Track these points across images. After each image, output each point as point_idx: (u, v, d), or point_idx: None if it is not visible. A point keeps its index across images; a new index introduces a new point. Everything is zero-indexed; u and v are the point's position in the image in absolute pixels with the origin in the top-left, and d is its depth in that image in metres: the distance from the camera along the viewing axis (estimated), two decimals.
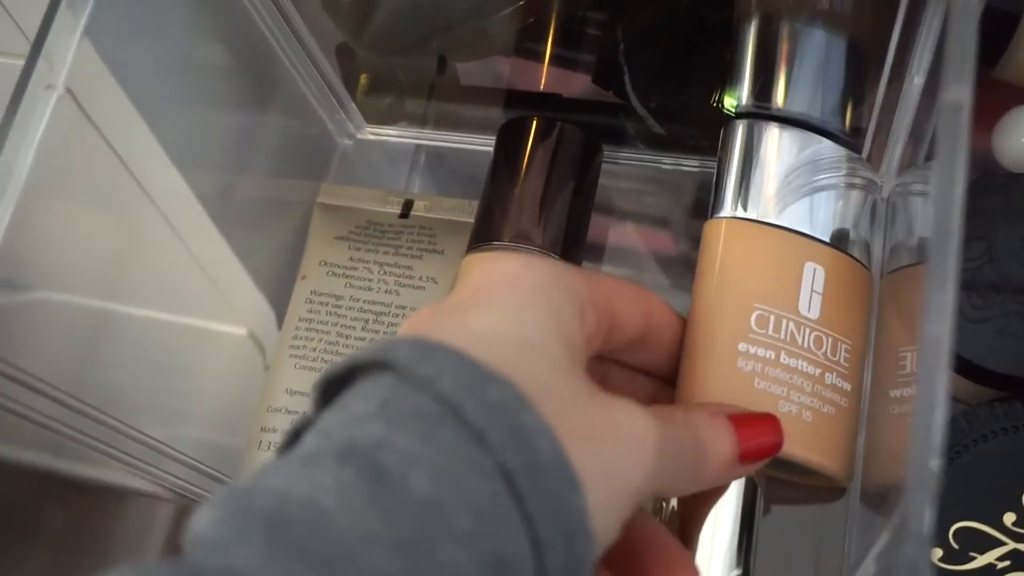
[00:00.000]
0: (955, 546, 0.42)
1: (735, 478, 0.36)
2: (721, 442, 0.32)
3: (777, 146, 0.40)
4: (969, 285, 0.45)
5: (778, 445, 0.34)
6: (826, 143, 0.40)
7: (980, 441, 0.43)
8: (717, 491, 0.36)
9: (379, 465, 0.24)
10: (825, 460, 0.37)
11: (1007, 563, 0.41)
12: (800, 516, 0.49)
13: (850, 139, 0.41)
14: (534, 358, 0.28)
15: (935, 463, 0.27)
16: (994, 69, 0.50)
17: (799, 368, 0.37)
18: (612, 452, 0.28)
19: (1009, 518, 0.42)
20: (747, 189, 0.39)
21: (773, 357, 0.37)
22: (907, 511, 0.27)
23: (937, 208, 0.29)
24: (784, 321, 0.37)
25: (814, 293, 0.38)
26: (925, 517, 0.27)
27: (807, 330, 0.37)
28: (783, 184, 0.39)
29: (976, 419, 0.44)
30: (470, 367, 0.26)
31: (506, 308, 0.29)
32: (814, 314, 0.38)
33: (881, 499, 0.32)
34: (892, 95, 0.45)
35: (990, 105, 0.52)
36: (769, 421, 0.34)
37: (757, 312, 0.37)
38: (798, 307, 0.37)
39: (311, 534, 0.23)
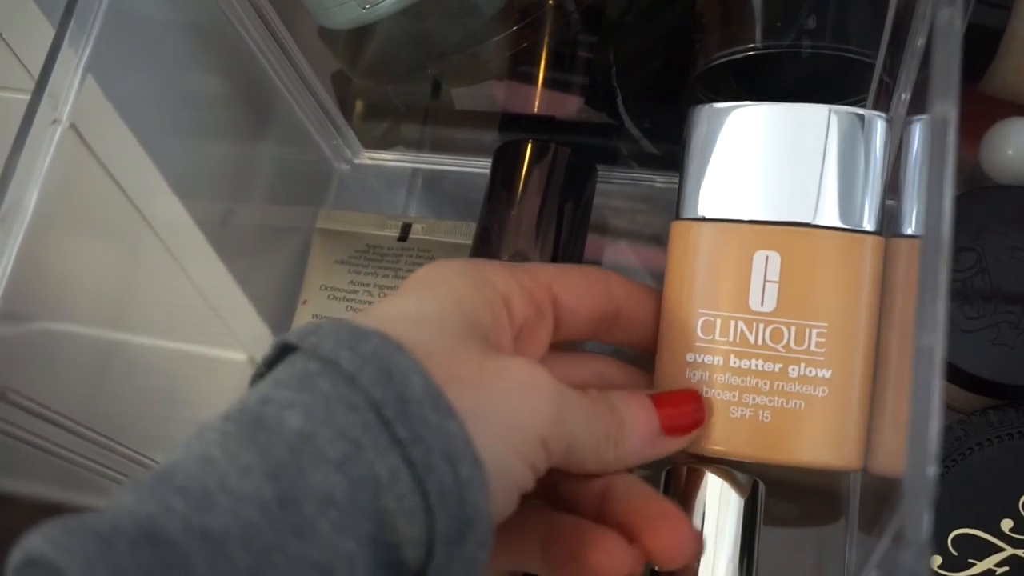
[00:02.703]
0: (954, 553, 0.42)
1: (664, 453, 0.36)
2: (639, 415, 0.34)
3: (727, 130, 0.37)
4: (961, 295, 0.46)
5: (699, 419, 0.36)
6: (787, 106, 0.36)
7: (976, 449, 0.44)
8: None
9: (259, 414, 0.27)
10: (792, 456, 0.36)
11: (1006, 569, 0.42)
12: (801, 529, 0.50)
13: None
14: (425, 326, 0.31)
15: (932, 470, 0.27)
16: (979, 83, 0.51)
17: (753, 368, 0.36)
18: (499, 396, 0.30)
19: (1007, 524, 0.42)
20: (698, 185, 0.37)
21: (721, 363, 0.36)
22: (905, 518, 0.27)
23: (927, 221, 0.30)
24: (732, 323, 0.36)
25: (768, 283, 0.36)
26: (923, 524, 0.27)
27: (761, 326, 0.36)
28: (735, 169, 0.36)
29: (971, 427, 0.44)
30: (350, 329, 0.28)
31: (408, 295, 0.33)
32: (769, 307, 0.36)
33: (888, 485, 0.33)
34: (880, 111, 0.46)
35: (977, 118, 0.52)
36: (688, 395, 0.36)
37: (702, 319, 0.36)
38: (748, 303, 0.36)
39: (191, 473, 0.25)
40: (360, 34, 0.51)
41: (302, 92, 0.55)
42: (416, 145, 0.59)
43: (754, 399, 0.36)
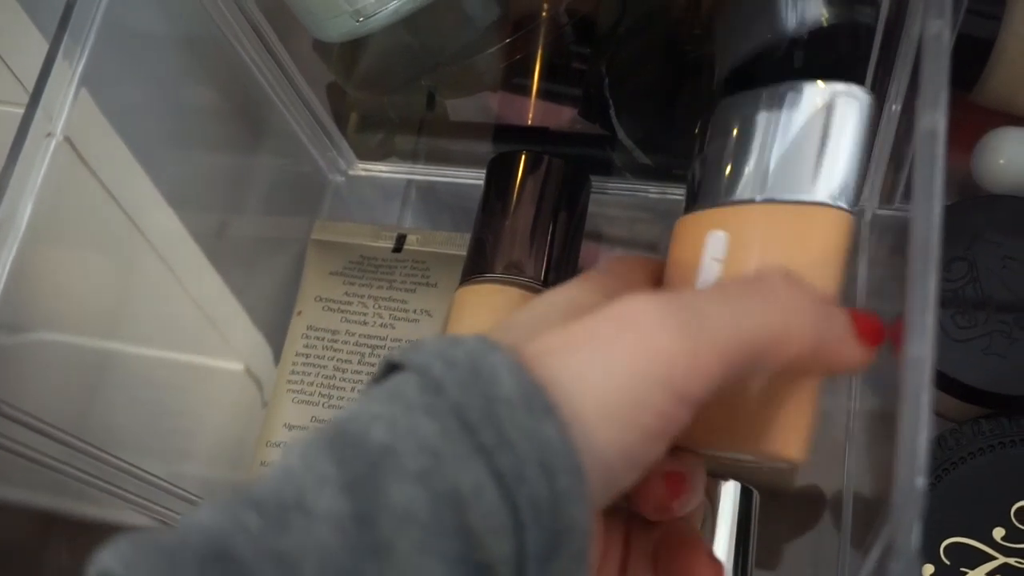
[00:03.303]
0: (946, 562, 0.42)
1: (855, 367, 0.30)
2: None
3: (716, 127, 0.36)
4: (953, 305, 0.46)
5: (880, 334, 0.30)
6: (756, 92, 0.35)
7: (968, 458, 0.44)
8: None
9: (344, 428, 0.25)
10: (734, 446, 0.32)
11: None
12: (795, 541, 0.50)
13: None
14: (534, 324, 0.28)
15: (921, 481, 0.27)
16: (971, 93, 0.51)
17: None
18: (594, 357, 0.25)
19: (999, 533, 0.43)
20: (695, 183, 0.36)
21: None
22: (895, 529, 0.27)
23: (916, 230, 0.30)
24: None
25: (712, 261, 0.34)
26: (913, 535, 0.27)
27: None
28: (714, 161, 0.35)
29: (964, 437, 0.44)
30: (450, 337, 0.26)
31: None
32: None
33: (880, 496, 0.32)
34: (871, 124, 0.46)
35: (969, 128, 0.53)
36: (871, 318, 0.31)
37: None
38: (696, 284, 0.33)
39: (267, 487, 0.24)
40: (354, 47, 0.51)
41: (297, 104, 0.55)
42: (411, 157, 0.60)
43: None
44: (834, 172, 0.33)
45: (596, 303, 0.27)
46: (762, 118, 0.35)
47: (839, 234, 0.33)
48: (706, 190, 0.35)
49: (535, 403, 0.24)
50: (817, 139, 0.34)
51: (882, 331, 0.30)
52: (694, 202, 0.36)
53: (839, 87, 0.34)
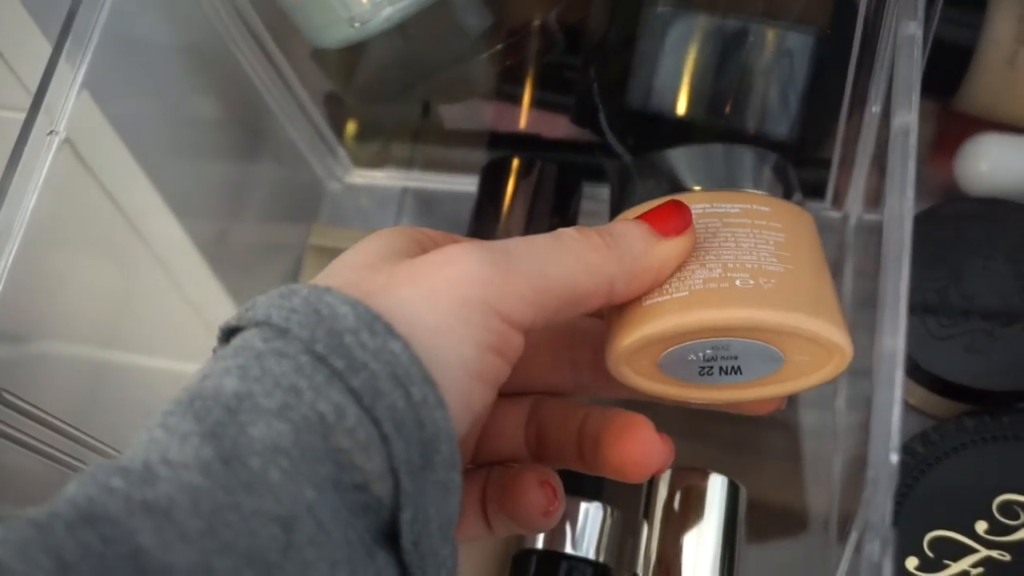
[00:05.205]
0: (930, 555, 0.43)
1: (670, 257, 0.32)
2: (624, 226, 0.32)
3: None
4: (935, 305, 0.47)
5: (684, 213, 0.32)
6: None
7: (952, 454, 0.45)
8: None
9: (197, 389, 0.26)
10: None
11: (980, 570, 0.43)
12: (786, 543, 0.51)
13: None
14: (358, 267, 0.29)
15: (895, 457, 0.28)
16: (952, 100, 0.52)
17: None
18: (423, 293, 0.27)
19: (981, 526, 0.43)
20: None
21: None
22: (870, 505, 0.28)
23: (888, 225, 0.31)
24: None
25: None
26: (887, 510, 0.28)
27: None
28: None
29: (947, 433, 0.45)
30: (280, 290, 0.28)
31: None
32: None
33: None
34: (854, 125, 0.47)
35: (953, 134, 0.54)
36: (666, 204, 0.33)
37: None
38: None
39: (130, 455, 0.24)
40: (351, 56, 0.52)
41: (295, 113, 0.56)
42: (407, 164, 0.61)
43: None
44: None
45: (409, 249, 0.30)
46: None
47: None
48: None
49: (376, 327, 0.26)
50: None
51: (676, 213, 0.32)
52: None
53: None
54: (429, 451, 0.26)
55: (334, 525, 0.25)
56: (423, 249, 0.30)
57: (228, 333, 0.28)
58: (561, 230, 0.31)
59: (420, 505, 0.26)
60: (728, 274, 0.31)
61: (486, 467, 0.35)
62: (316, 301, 0.27)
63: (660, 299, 0.31)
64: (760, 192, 0.38)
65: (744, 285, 0.31)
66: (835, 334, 0.31)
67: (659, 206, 0.32)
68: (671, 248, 0.31)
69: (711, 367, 0.32)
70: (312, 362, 0.25)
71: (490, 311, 0.28)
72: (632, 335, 0.31)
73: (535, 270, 0.29)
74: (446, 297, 0.27)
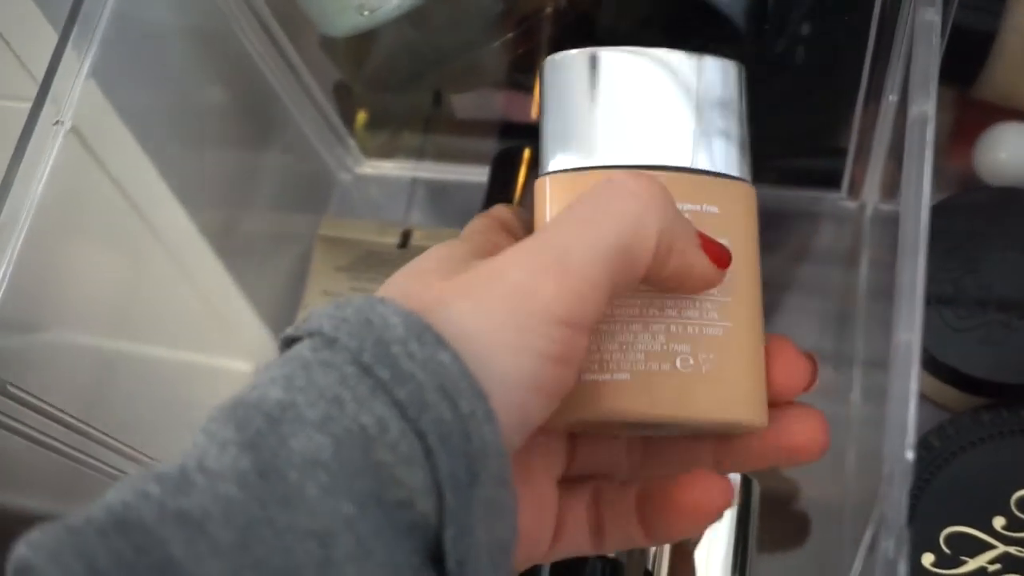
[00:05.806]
0: (947, 551, 0.43)
1: (705, 276, 0.30)
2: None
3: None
4: (952, 296, 0.46)
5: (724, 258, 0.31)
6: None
7: (968, 448, 0.44)
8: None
9: (243, 397, 0.25)
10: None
11: (998, 566, 0.42)
12: (801, 547, 0.50)
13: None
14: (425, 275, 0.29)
15: (910, 454, 0.28)
16: (972, 88, 0.51)
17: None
18: (469, 300, 0.27)
19: (999, 522, 0.43)
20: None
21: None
22: (886, 501, 0.28)
23: (904, 216, 0.31)
24: None
25: None
26: (902, 506, 0.28)
27: None
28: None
29: (963, 427, 0.45)
30: (334, 304, 0.27)
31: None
32: None
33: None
34: (870, 114, 0.46)
35: (972, 123, 0.53)
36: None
37: None
38: None
39: (170, 462, 0.24)
40: (360, 44, 0.52)
41: (304, 102, 0.56)
42: (417, 154, 0.60)
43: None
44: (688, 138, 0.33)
45: (465, 260, 0.29)
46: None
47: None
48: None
49: (425, 338, 0.25)
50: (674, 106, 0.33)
51: (724, 253, 0.31)
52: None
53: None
54: (476, 466, 0.25)
55: (376, 543, 0.24)
56: (491, 251, 0.29)
57: (287, 343, 0.28)
58: (614, 174, 0.29)
59: (465, 523, 0.25)
60: (670, 345, 0.31)
61: (591, 482, 0.33)
62: (368, 311, 0.26)
63: (601, 377, 0.31)
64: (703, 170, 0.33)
65: (684, 367, 0.31)
66: (758, 418, 0.31)
67: (713, 242, 0.31)
68: (710, 273, 0.30)
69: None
70: (357, 373, 0.25)
71: (549, 319, 0.27)
72: (568, 415, 0.30)
73: (585, 257, 0.27)
74: (500, 309, 0.27)
